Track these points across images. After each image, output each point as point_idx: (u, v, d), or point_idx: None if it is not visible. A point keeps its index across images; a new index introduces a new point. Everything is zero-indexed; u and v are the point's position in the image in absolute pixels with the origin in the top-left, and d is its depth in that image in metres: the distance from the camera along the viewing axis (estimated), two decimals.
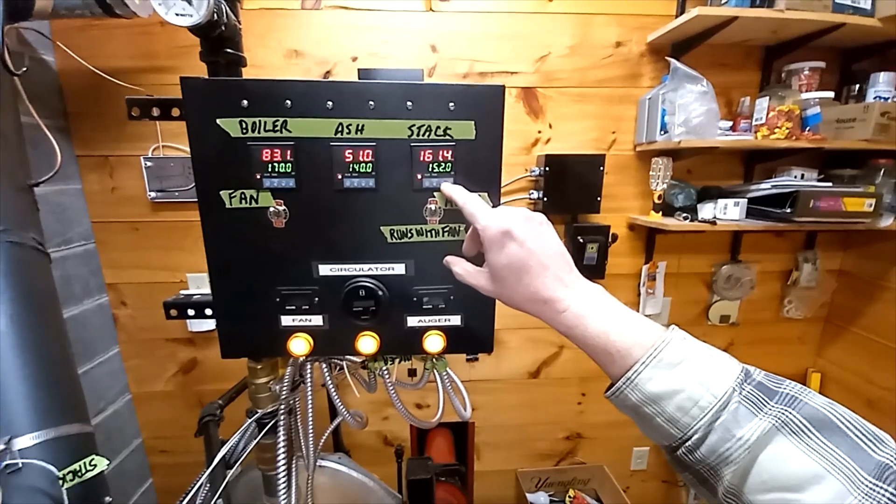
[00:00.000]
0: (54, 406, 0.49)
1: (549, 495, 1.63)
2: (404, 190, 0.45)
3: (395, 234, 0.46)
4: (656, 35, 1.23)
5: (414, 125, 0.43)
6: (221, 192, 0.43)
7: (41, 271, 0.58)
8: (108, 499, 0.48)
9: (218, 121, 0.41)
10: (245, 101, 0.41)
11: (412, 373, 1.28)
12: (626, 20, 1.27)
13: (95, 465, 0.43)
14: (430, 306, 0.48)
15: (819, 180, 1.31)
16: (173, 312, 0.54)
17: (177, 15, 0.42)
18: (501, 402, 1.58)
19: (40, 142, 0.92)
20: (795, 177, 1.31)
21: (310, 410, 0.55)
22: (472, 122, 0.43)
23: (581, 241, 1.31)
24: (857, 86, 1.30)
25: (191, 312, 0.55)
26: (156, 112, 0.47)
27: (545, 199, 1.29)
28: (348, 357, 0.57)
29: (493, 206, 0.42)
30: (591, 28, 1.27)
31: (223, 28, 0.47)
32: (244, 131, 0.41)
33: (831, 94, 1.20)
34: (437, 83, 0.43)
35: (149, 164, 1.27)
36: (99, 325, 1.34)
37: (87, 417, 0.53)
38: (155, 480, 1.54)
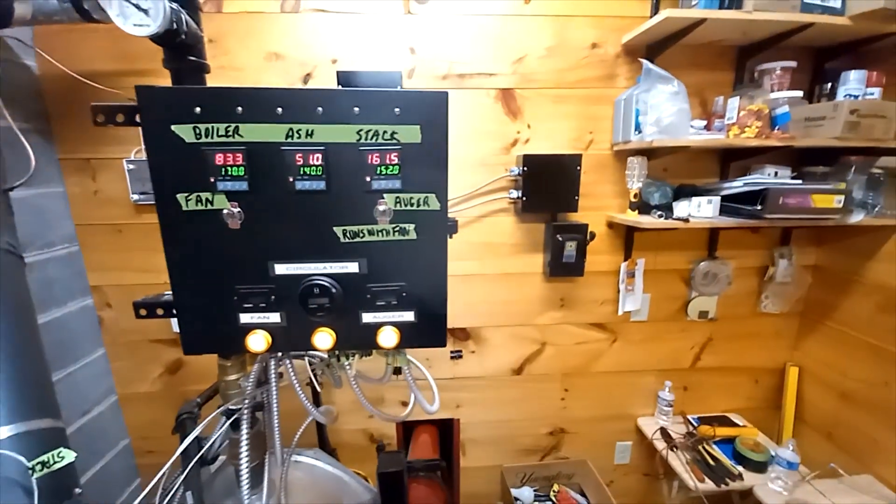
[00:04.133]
0: (26, 402, 0.50)
1: (535, 490, 1.65)
2: (355, 191, 0.47)
3: (348, 234, 0.48)
4: (631, 36, 1.25)
5: (361, 129, 0.45)
6: (178, 195, 0.44)
7: (14, 274, 0.60)
8: (77, 490, 0.49)
9: (172, 127, 0.42)
10: (198, 108, 0.42)
11: (398, 371, 1.31)
12: (602, 22, 1.29)
13: (63, 457, 0.45)
14: (384, 303, 0.50)
15: (793, 177, 1.34)
16: (143, 312, 0.56)
17: (135, 25, 0.44)
18: (486, 398, 1.60)
19: (16, 145, 0.93)
20: (769, 174, 1.33)
21: (275, 406, 0.57)
22: (418, 127, 0.45)
23: (560, 239, 1.34)
24: (830, 84, 1.32)
25: (160, 312, 0.56)
26: (120, 118, 0.49)
27: (524, 198, 1.31)
28: (311, 354, 0.59)
29: (441, 207, 0.44)
30: (568, 30, 1.29)
31: (184, 36, 0.49)
32: (198, 136, 0.43)
33: (800, 94, 1.22)
34: (380, 90, 0.45)
35: (131, 166, 1.28)
36: (83, 327, 1.35)
37: (59, 413, 0.54)
38: (142, 481, 1.55)
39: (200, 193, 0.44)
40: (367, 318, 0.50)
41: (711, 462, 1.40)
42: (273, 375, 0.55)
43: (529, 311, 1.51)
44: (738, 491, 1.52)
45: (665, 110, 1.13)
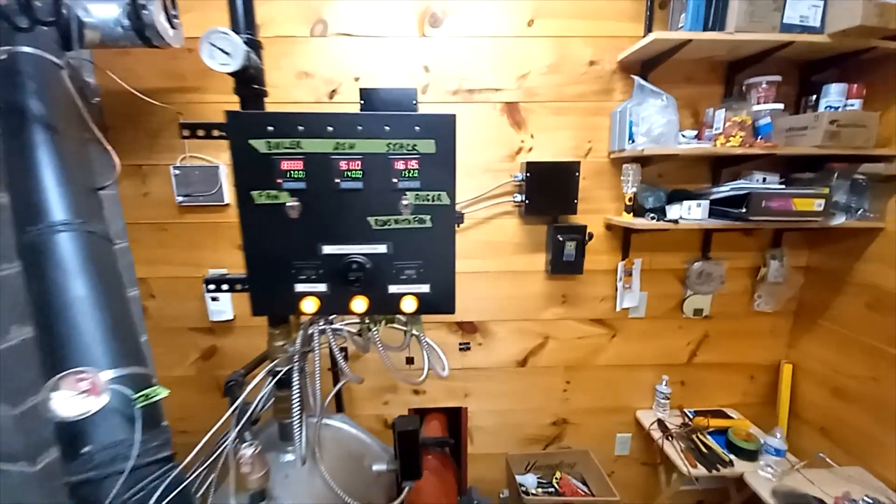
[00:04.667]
0: (123, 352, 0.64)
1: (538, 478, 1.74)
2: (384, 190, 0.61)
3: (378, 223, 0.62)
4: (625, 54, 1.37)
5: (390, 142, 0.58)
6: (252, 192, 0.59)
7: (108, 253, 0.75)
8: (164, 423, 0.63)
9: (250, 140, 0.56)
10: (270, 127, 0.56)
11: (409, 360, 1.43)
12: (598, 41, 1.42)
13: (159, 393, 0.59)
14: (405, 277, 0.63)
15: (781, 183, 1.43)
16: (211, 287, 0.70)
17: (220, 64, 0.58)
18: (492, 389, 1.71)
19: (96, 154, 1.09)
20: (757, 180, 1.43)
21: (317, 371, 0.70)
22: (433, 140, 0.59)
23: (560, 239, 1.46)
24: (815, 96, 1.42)
25: (224, 287, 0.70)
26: (201, 133, 0.63)
27: (527, 201, 1.43)
28: (338, 330, 0.72)
29: (450, 203, 0.57)
30: (568, 49, 1.42)
31: (252, 70, 0.63)
32: (269, 148, 0.57)
33: (781, 106, 1.32)
34: (404, 114, 0.59)
35: (177, 172, 1.45)
36: None
37: (146, 364, 0.68)
38: (177, 459, 1.70)
39: (269, 191, 0.58)
40: (393, 289, 0.64)
41: (704, 450, 1.48)
42: (316, 340, 0.68)
43: (533, 307, 1.62)
44: (733, 482, 1.60)
45: (655, 122, 1.25)
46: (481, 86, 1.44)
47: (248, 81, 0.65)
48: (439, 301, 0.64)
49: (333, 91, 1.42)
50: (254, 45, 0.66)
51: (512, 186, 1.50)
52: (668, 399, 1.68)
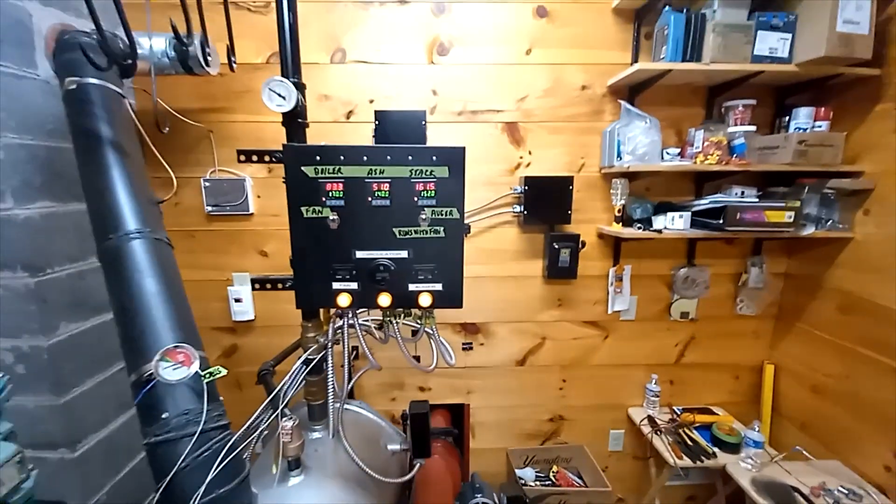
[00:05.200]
0: (187, 338, 0.78)
1: (536, 471, 1.85)
2: (407, 206, 0.75)
3: (401, 233, 0.75)
4: (614, 80, 1.52)
5: (413, 168, 0.72)
6: (301, 208, 0.72)
7: (169, 257, 0.89)
8: (221, 398, 0.76)
9: (302, 167, 0.70)
10: (318, 157, 0.70)
11: (416, 359, 1.55)
12: (590, 68, 1.57)
13: (220, 371, 0.72)
14: (422, 277, 0.76)
15: (759, 197, 1.57)
16: (256, 286, 0.84)
17: (277, 105, 0.72)
18: (493, 386, 1.83)
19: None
20: (736, 194, 1.57)
21: (346, 357, 0.83)
22: (447, 167, 0.73)
23: (556, 246, 1.59)
24: (788, 118, 1.56)
25: (268, 286, 0.84)
26: (255, 158, 0.78)
27: (525, 212, 1.57)
28: (371, 323, 0.86)
29: (460, 217, 0.71)
30: (563, 74, 1.57)
31: (299, 108, 0.78)
32: (316, 173, 0.71)
33: (753, 128, 1.46)
34: (426, 147, 0.73)
35: (207, 184, 1.59)
36: None
37: (203, 348, 0.82)
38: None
39: (315, 206, 0.72)
40: (412, 287, 0.77)
41: (690, 443, 1.60)
42: (345, 332, 0.81)
43: (531, 309, 1.75)
44: (720, 476, 1.71)
45: (640, 142, 1.39)
46: (484, 107, 1.59)
47: (296, 116, 0.79)
48: (450, 297, 0.77)
49: (350, 112, 1.57)
50: (300, 87, 0.80)
51: (512, 198, 1.64)
52: (658, 397, 1.80)
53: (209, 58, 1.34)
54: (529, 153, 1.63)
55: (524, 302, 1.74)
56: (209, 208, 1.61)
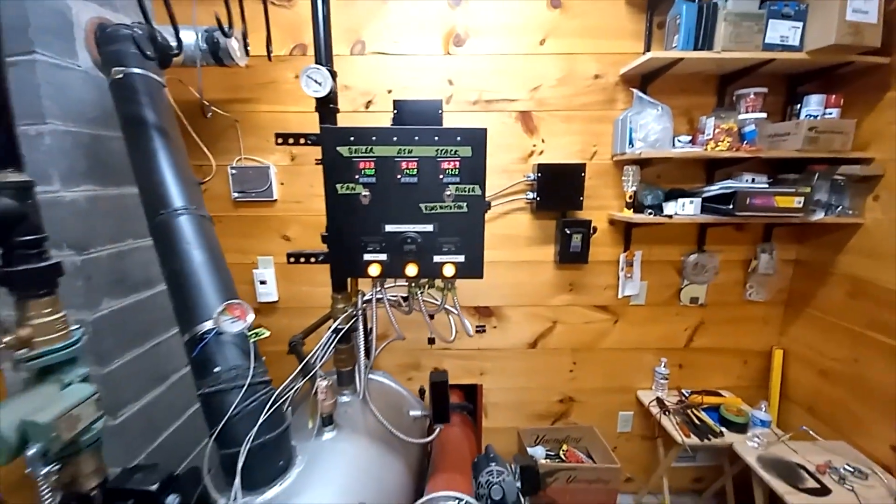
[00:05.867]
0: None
1: (546, 450, 1.92)
2: (433, 183, 0.81)
3: (428, 208, 0.82)
4: (626, 69, 1.56)
5: (439, 148, 0.78)
6: (336, 185, 0.79)
7: (212, 231, 0.96)
8: (263, 358, 0.84)
9: (337, 147, 0.77)
10: (352, 137, 0.77)
11: (431, 341, 1.63)
12: (603, 58, 1.61)
13: (264, 332, 0.80)
14: (446, 249, 0.83)
15: (768, 183, 1.60)
16: (292, 259, 0.91)
17: (313, 91, 0.79)
18: (505, 368, 1.89)
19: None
20: (746, 180, 1.59)
21: (374, 325, 0.90)
22: (470, 147, 0.79)
23: (568, 232, 1.64)
24: (799, 105, 1.58)
25: (302, 260, 0.91)
26: (291, 140, 0.85)
27: (538, 198, 1.62)
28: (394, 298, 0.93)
29: (481, 194, 0.77)
30: (576, 64, 1.61)
31: (331, 93, 0.84)
32: (350, 153, 0.77)
33: (764, 115, 1.49)
34: (450, 127, 0.79)
35: (233, 171, 1.67)
36: None
37: None
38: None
39: (349, 184, 0.79)
40: (437, 258, 0.84)
41: (698, 423, 1.65)
42: (374, 303, 0.88)
43: (543, 294, 1.81)
44: (727, 457, 1.76)
45: (652, 129, 1.43)
46: (498, 97, 1.63)
47: (328, 102, 0.86)
48: (471, 268, 0.84)
49: (369, 102, 1.63)
50: (333, 75, 0.87)
51: (525, 185, 1.69)
52: (667, 380, 1.84)
53: (248, 48, 1.41)
54: (543, 141, 1.67)
55: (536, 286, 1.80)
56: (235, 194, 1.69)
